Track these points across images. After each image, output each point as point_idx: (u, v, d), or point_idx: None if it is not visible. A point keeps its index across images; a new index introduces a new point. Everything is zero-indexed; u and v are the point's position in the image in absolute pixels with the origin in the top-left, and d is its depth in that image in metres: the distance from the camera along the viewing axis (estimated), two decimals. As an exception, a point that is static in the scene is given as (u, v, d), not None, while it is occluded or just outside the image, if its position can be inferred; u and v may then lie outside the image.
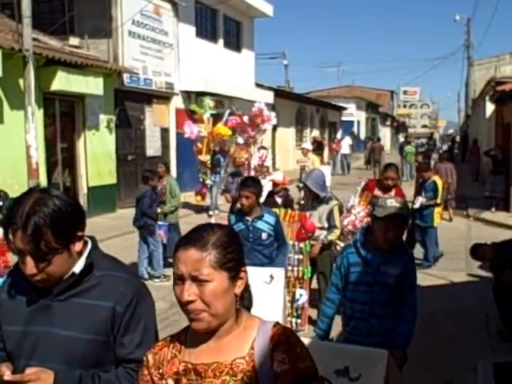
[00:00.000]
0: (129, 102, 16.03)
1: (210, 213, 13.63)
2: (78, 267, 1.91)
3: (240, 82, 21.61)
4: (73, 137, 14.08)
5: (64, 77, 12.45)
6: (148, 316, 1.97)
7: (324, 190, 6.21)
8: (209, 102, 12.62)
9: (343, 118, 41.97)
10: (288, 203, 7.46)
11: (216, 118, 13.02)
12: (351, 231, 6.30)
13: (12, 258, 7.59)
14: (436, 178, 9.35)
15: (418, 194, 9.41)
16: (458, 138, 46.55)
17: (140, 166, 16.66)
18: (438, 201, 9.13)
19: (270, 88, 24.87)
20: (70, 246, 1.88)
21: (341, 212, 6.39)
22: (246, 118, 9.15)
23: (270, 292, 4.45)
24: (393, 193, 6.58)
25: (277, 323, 1.66)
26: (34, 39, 11.91)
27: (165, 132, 17.98)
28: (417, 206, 8.94)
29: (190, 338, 1.66)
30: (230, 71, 21.31)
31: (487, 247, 6.10)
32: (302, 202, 6.79)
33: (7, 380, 1.75)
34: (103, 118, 14.65)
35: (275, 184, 8.03)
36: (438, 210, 9.22)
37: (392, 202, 3.49)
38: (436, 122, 78.10)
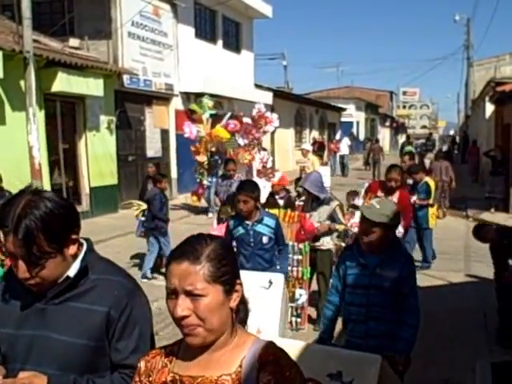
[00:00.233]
0: (129, 103, 16.08)
1: (210, 215, 13.67)
2: (72, 271, 1.86)
3: (239, 83, 21.65)
4: (74, 138, 14.15)
5: (64, 78, 12.50)
6: (143, 321, 1.93)
7: (323, 192, 6.24)
8: (208, 101, 12.64)
9: (342, 119, 42.01)
10: (290, 204, 7.40)
11: (215, 118, 13.05)
12: (355, 233, 6.33)
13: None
14: (428, 179, 9.24)
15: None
16: (458, 139, 46.54)
17: (140, 166, 16.72)
18: (431, 201, 9.04)
19: (269, 89, 24.90)
20: (63, 250, 1.83)
21: (343, 211, 6.43)
22: (248, 120, 9.19)
23: (268, 298, 4.39)
24: (397, 194, 6.55)
25: (270, 343, 1.61)
26: (35, 41, 11.95)
27: (165, 133, 18.03)
28: None
29: (183, 349, 1.62)
30: (229, 72, 21.35)
31: (490, 228, 6.16)
32: (302, 202, 6.79)
33: None
34: (104, 119, 14.70)
35: (273, 185, 8.08)
36: (432, 211, 9.14)
37: (376, 205, 3.47)
38: (435, 122, 78.08)
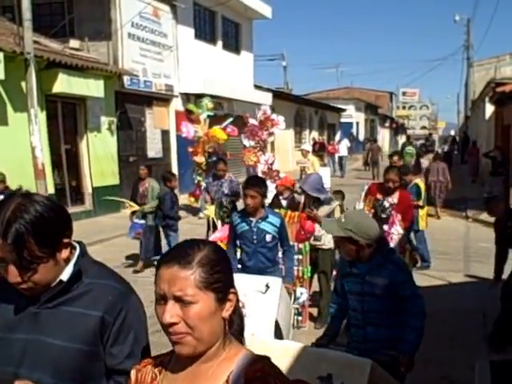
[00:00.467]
0: (129, 104, 16.12)
1: (201, 215, 13.70)
2: (65, 275, 1.82)
3: (239, 84, 21.68)
4: (75, 138, 14.23)
5: (65, 79, 12.55)
6: (138, 326, 1.89)
7: (323, 193, 6.28)
8: (207, 102, 12.62)
9: (342, 120, 42.06)
10: (293, 206, 7.36)
11: (213, 119, 13.01)
12: None
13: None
14: (418, 181, 9.07)
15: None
16: (458, 139, 46.59)
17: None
18: (421, 203, 8.78)
19: (268, 89, 24.94)
20: (55, 254, 1.79)
21: (343, 212, 6.45)
22: (255, 121, 9.19)
23: (264, 302, 4.27)
24: (396, 195, 6.46)
25: (261, 357, 1.53)
26: (35, 42, 12.00)
27: (165, 134, 18.08)
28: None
29: (174, 359, 1.56)
30: (228, 73, 21.39)
31: (501, 205, 6.16)
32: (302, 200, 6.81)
33: None
34: (104, 120, 14.76)
35: (276, 185, 8.08)
36: (422, 213, 8.89)
37: (342, 218, 3.43)
38: (435, 123, 78.06)
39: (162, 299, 1.45)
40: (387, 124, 58.04)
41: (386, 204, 6.24)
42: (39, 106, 11.88)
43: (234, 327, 1.57)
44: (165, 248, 8.97)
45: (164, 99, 17.91)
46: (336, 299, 3.78)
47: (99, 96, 13.85)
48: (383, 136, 54.76)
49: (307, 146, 17.88)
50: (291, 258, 5.34)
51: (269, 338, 3.64)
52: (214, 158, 13.19)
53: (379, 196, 6.52)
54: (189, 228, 10.96)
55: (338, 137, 29.88)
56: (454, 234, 12.14)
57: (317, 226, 6.19)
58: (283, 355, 3.02)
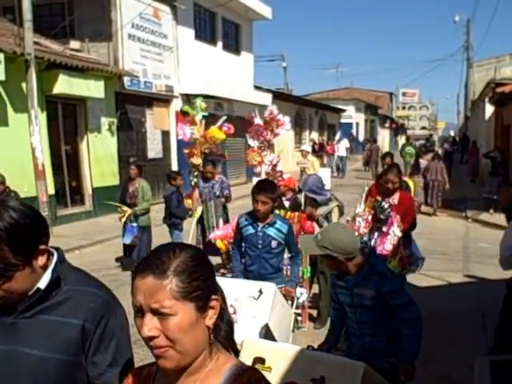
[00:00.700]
0: (130, 104, 16.15)
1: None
2: (43, 282, 1.76)
3: (239, 85, 21.70)
4: (76, 139, 14.25)
5: (65, 80, 12.58)
6: (120, 333, 1.83)
7: (322, 194, 6.30)
8: (200, 103, 12.58)
9: (342, 120, 42.10)
10: (296, 207, 7.25)
11: (208, 119, 12.96)
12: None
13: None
14: (408, 180, 8.96)
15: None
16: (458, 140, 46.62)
17: (142, 168, 16.78)
18: None
19: (268, 90, 24.97)
20: (31, 261, 1.73)
21: (341, 212, 6.47)
22: (260, 121, 9.14)
23: (256, 308, 4.15)
24: (396, 196, 6.32)
25: (248, 369, 1.46)
26: (36, 43, 12.03)
27: (165, 134, 18.10)
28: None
29: (161, 372, 1.48)
30: (229, 74, 21.41)
31: (510, 191, 6.11)
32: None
33: None
34: (105, 121, 14.78)
35: (279, 186, 8.03)
36: None
37: (318, 236, 3.36)
38: (435, 123, 78.20)
39: (139, 312, 1.37)
40: (387, 124, 58.08)
41: (385, 205, 6.18)
42: (39, 107, 11.92)
43: (222, 334, 1.49)
44: None
45: (164, 100, 17.94)
46: (334, 305, 3.76)
47: (99, 97, 13.88)
48: (383, 136, 54.78)
49: (307, 146, 17.91)
50: (297, 263, 5.23)
51: (260, 341, 3.59)
52: (210, 159, 13.16)
53: (379, 197, 6.47)
54: (186, 228, 10.96)
55: (338, 137, 29.93)
56: (453, 234, 12.16)
57: (316, 226, 6.22)
58: (278, 357, 3.04)
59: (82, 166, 14.38)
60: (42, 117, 12.34)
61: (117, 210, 9.13)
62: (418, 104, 72.01)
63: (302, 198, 7.99)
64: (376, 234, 6.20)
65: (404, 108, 68.99)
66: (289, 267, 6.06)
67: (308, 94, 44.18)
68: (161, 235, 10.74)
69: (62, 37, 14.65)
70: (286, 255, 5.67)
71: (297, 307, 6.34)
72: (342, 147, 27.58)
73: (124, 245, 9.13)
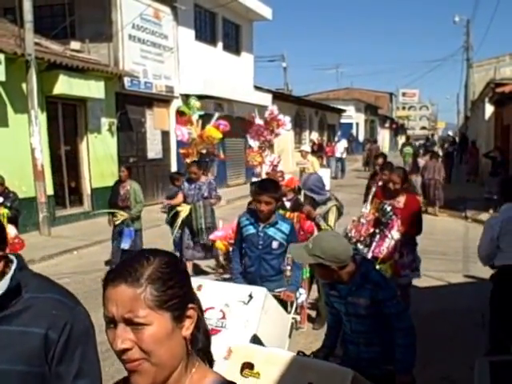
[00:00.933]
0: (130, 105, 16.18)
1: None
2: (0, 290, 1.66)
3: (239, 85, 21.72)
4: (75, 139, 14.26)
5: (66, 81, 12.59)
6: (86, 341, 1.73)
7: (321, 193, 6.30)
8: (195, 102, 12.53)
9: (342, 121, 42.13)
10: (297, 208, 7.31)
11: (205, 118, 12.93)
12: (359, 240, 6.32)
13: (23, 256, 7.72)
14: None
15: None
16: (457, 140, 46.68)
17: (141, 168, 16.83)
18: None
19: (268, 90, 24.99)
20: None
21: (340, 213, 6.47)
22: (260, 121, 9.15)
23: (245, 313, 3.99)
24: (402, 199, 6.15)
25: (229, 383, 1.38)
26: (36, 44, 12.06)
27: (165, 135, 18.12)
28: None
29: None
30: (229, 74, 21.43)
31: None
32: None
33: None
34: (105, 121, 14.80)
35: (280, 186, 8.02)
36: None
37: (309, 244, 3.27)
38: (435, 123, 78.20)
39: (111, 323, 1.29)
40: (387, 125, 58.13)
41: (388, 208, 6.06)
42: (39, 108, 11.95)
43: (199, 346, 1.40)
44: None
45: (164, 100, 17.97)
46: (330, 310, 3.70)
47: (100, 97, 13.89)
48: (383, 136, 54.84)
49: (307, 146, 17.94)
50: (299, 266, 4.99)
51: (250, 347, 3.44)
52: (207, 160, 13.11)
53: (383, 199, 6.38)
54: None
55: (337, 137, 29.93)
56: (453, 235, 12.17)
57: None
58: (267, 363, 3.01)
59: (82, 167, 14.39)
60: (42, 117, 12.36)
61: (113, 216, 8.90)
62: (418, 104, 72.00)
63: (301, 197, 8.01)
64: (378, 236, 6.12)
65: (404, 108, 68.99)
66: (289, 268, 6.07)
67: (308, 95, 44.19)
68: (159, 235, 10.77)
69: (62, 37, 14.68)
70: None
71: (296, 308, 6.36)
72: (340, 148, 27.54)
73: (122, 250, 8.81)
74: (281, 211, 6.53)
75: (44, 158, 12.18)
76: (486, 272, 8.63)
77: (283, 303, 4.68)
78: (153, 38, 17.00)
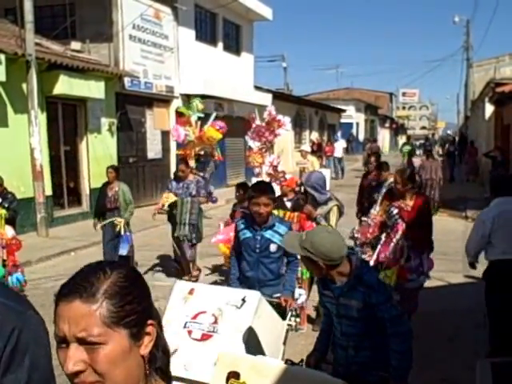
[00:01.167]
0: (130, 105, 16.18)
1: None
2: None
3: (239, 85, 21.74)
4: (75, 140, 14.25)
5: (66, 81, 12.60)
6: (35, 347, 1.55)
7: (322, 193, 6.29)
8: (198, 103, 12.47)
9: (342, 120, 42.13)
10: (298, 208, 7.16)
11: (204, 120, 12.91)
12: (365, 242, 6.30)
13: (20, 257, 7.72)
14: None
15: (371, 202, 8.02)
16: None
17: (141, 168, 16.84)
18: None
19: (269, 90, 25.00)
20: None
21: (340, 212, 6.46)
22: (259, 122, 9.16)
23: (238, 318, 3.84)
24: (411, 202, 5.94)
25: None
26: (37, 44, 12.06)
27: (165, 135, 18.12)
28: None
29: None
30: (229, 74, 21.44)
31: None
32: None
33: None
34: (105, 122, 14.80)
35: (281, 186, 8.02)
36: None
37: (303, 236, 3.20)
38: (435, 123, 78.28)
39: (63, 342, 1.19)
40: (387, 124, 58.15)
41: (394, 211, 5.93)
42: (39, 108, 11.95)
43: (158, 364, 1.31)
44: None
45: (164, 100, 17.97)
46: (324, 311, 3.60)
47: (100, 97, 13.89)
48: (383, 136, 54.85)
49: (307, 146, 17.95)
50: (294, 270, 4.87)
51: (241, 352, 3.40)
52: (203, 161, 13.07)
53: (388, 201, 6.28)
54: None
55: (338, 136, 29.93)
56: (453, 235, 12.16)
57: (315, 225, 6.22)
58: (253, 372, 2.95)
59: (81, 167, 14.36)
60: (42, 117, 12.36)
61: (101, 219, 8.73)
62: (418, 104, 72.05)
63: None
64: (383, 239, 6.04)
65: (404, 108, 69.04)
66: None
67: (308, 95, 44.22)
68: (157, 236, 10.79)
69: (63, 38, 14.68)
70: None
71: (295, 309, 6.35)
72: (339, 148, 27.48)
73: (120, 256, 8.67)
74: (281, 211, 6.56)
75: (43, 158, 12.17)
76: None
77: (280, 309, 4.52)
78: (153, 38, 17.01)
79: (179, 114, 13.23)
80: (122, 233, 8.56)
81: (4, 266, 6.94)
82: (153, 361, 1.30)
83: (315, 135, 33.86)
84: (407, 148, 24.79)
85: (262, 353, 3.65)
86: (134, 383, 1.24)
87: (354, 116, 45.21)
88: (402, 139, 58.01)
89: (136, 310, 1.23)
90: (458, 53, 67.83)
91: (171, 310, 3.92)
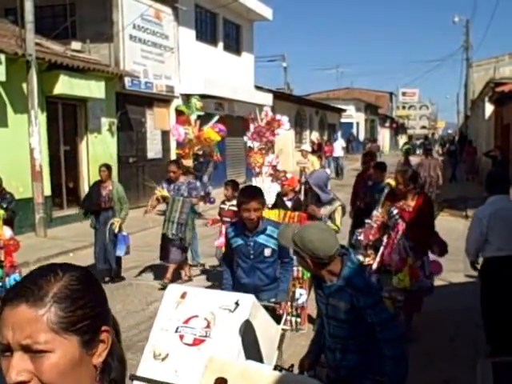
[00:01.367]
0: (130, 105, 16.19)
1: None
2: None
3: (240, 85, 21.75)
4: (75, 139, 14.24)
5: (66, 81, 12.60)
6: None
7: (325, 191, 6.28)
8: (196, 102, 12.42)
9: (342, 120, 42.13)
10: (298, 207, 7.12)
11: (203, 119, 12.86)
12: (368, 244, 6.29)
13: (18, 258, 7.71)
14: (390, 181, 8.36)
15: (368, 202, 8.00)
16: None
17: (141, 168, 16.83)
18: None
19: (269, 90, 25.01)
20: None
21: (344, 212, 6.45)
22: (262, 123, 9.16)
23: (231, 322, 3.72)
24: (412, 203, 5.88)
25: None
26: (37, 44, 12.07)
27: (165, 135, 18.13)
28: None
29: None
30: (229, 74, 21.45)
31: None
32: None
33: None
34: (105, 121, 14.80)
35: (282, 185, 8.00)
36: None
37: (295, 228, 3.17)
38: (435, 123, 78.33)
39: (6, 350, 1.09)
40: (387, 124, 58.15)
41: (394, 211, 5.90)
42: (39, 108, 11.96)
43: (113, 375, 1.22)
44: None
45: (165, 100, 17.98)
46: (319, 311, 3.54)
47: (100, 97, 13.89)
48: (383, 136, 54.85)
49: (307, 146, 17.95)
50: (289, 270, 4.81)
51: (231, 358, 3.32)
52: (202, 161, 13.04)
53: (389, 202, 6.22)
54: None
55: (338, 136, 29.92)
56: (453, 234, 12.11)
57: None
58: (241, 378, 2.90)
59: (81, 167, 14.35)
60: (42, 117, 12.37)
61: (94, 217, 8.62)
62: (418, 103, 72.11)
63: (301, 195, 7.99)
64: (385, 241, 6.00)
65: (404, 107, 69.08)
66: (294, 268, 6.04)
67: (308, 94, 44.21)
68: (156, 237, 10.75)
69: (63, 38, 14.69)
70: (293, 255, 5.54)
71: (296, 308, 6.35)
72: (338, 147, 27.40)
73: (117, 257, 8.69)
74: (282, 210, 6.56)
75: (43, 158, 12.16)
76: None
77: (275, 314, 4.49)
78: (153, 38, 17.02)
79: (179, 113, 13.18)
80: (117, 232, 8.47)
81: (2, 266, 6.92)
82: (107, 371, 1.19)
83: (315, 135, 33.85)
84: (406, 147, 24.83)
85: (255, 358, 3.56)
86: None
87: (354, 116, 45.21)
88: (402, 139, 58.12)
89: (89, 315, 1.14)
90: (458, 53, 67.73)
91: (163, 314, 3.84)
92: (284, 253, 4.63)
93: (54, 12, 15.61)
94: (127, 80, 15.51)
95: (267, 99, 22.21)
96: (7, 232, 7.20)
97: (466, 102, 36.21)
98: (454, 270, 9.17)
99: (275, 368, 3.15)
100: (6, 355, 1.09)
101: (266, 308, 4.22)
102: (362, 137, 45.56)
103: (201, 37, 20.14)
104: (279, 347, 4.15)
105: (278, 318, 4.37)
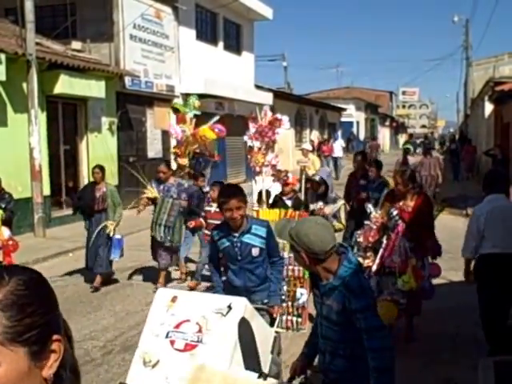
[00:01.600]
0: (130, 104, 16.20)
1: None
2: None
3: (240, 84, 21.75)
4: (75, 139, 14.24)
5: (66, 80, 12.60)
6: None
7: (332, 190, 6.30)
8: (194, 101, 12.42)
9: (342, 119, 42.11)
10: (298, 206, 7.11)
11: (199, 118, 12.82)
12: (368, 246, 6.29)
13: (17, 259, 7.72)
14: (386, 178, 8.52)
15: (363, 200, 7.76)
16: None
17: (141, 167, 16.80)
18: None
19: (269, 90, 25.01)
20: None
21: (346, 211, 6.46)
22: (263, 122, 9.15)
23: (223, 326, 3.61)
24: (411, 203, 5.87)
25: None
26: (37, 44, 12.08)
27: (165, 134, 18.11)
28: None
29: None
30: (230, 73, 21.46)
31: None
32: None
33: None
34: (105, 121, 14.81)
35: (284, 185, 8.00)
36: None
37: (292, 223, 3.16)
38: (435, 122, 78.31)
39: None
40: (387, 123, 58.13)
41: (394, 212, 5.87)
42: (40, 107, 11.96)
43: None
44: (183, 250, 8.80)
45: (165, 99, 17.98)
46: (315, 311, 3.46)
47: (100, 97, 13.91)
48: (383, 135, 54.84)
49: (308, 145, 17.92)
50: (278, 276, 4.66)
51: (220, 366, 3.21)
52: (200, 160, 13.00)
53: (389, 203, 6.17)
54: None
55: (338, 135, 29.88)
56: (454, 232, 12.14)
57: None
58: None
59: (81, 167, 14.35)
60: (42, 117, 12.38)
61: (104, 228, 8.45)
62: (418, 102, 72.10)
63: (301, 195, 8.00)
64: (384, 242, 5.95)
65: (404, 107, 69.09)
66: (292, 267, 6.03)
67: (308, 93, 44.18)
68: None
69: (63, 37, 14.72)
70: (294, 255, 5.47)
71: (297, 308, 6.35)
72: (337, 147, 27.32)
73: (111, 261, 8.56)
74: (283, 210, 6.56)
75: (42, 157, 12.15)
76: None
77: (268, 316, 4.45)
78: (154, 37, 17.02)
79: (174, 110, 13.14)
80: (112, 235, 8.35)
81: (0, 266, 6.90)
82: (59, 383, 1.10)
83: (316, 134, 33.86)
84: (405, 146, 24.82)
85: (251, 362, 3.48)
86: None
87: (354, 115, 45.20)
88: (402, 138, 58.12)
89: (38, 323, 1.04)
90: (458, 52, 67.75)
91: (152, 318, 3.71)
92: (273, 251, 4.55)
93: (55, 12, 15.62)
94: (127, 79, 15.51)
95: (267, 98, 22.21)
96: (6, 232, 7.19)
97: (466, 101, 36.23)
98: (455, 268, 9.17)
99: (259, 376, 3.02)
100: None
101: (259, 310, 4.14)
102: (362, 136, 45.52)
103: (201, 36, 20.15)
104: (272, 351, 4.05)
105: (271, 320, 4.34)
